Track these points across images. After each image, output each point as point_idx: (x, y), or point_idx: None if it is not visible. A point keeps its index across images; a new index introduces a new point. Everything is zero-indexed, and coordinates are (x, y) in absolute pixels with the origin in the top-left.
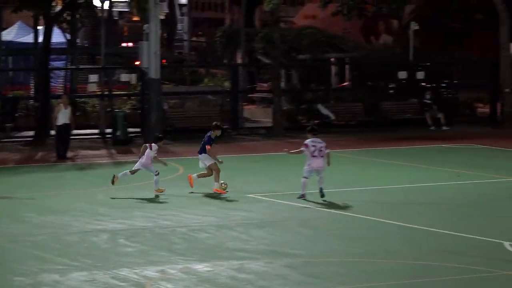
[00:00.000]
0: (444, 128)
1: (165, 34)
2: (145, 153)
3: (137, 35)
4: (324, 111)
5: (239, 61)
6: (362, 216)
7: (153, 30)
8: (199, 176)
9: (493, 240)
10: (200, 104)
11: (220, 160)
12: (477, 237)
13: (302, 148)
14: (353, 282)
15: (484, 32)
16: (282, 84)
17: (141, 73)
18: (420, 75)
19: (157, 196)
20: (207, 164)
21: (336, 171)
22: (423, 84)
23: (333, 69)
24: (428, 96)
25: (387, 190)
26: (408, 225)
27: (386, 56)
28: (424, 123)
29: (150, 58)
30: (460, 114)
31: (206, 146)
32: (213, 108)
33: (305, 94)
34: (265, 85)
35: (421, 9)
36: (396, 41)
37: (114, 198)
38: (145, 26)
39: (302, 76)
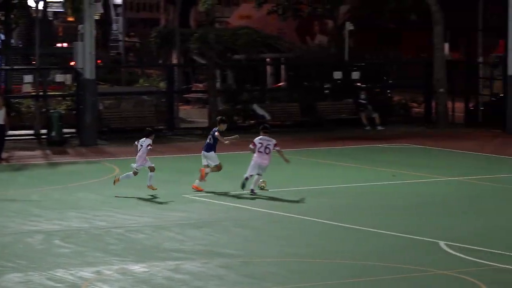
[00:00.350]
0: (379, 128)
1: (100, 35)
2: (140, 151)
3: (72, 36)
4: (260, 111)
5: (174, 61)
6: (298, 216)
7: (88, 30)
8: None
9: (429, 239)
10: (135, 105)
11: (234, 136)
12: (413, 236)
13: (250, 146)
14: (290, 282)
15: (418, 32)
16: (218, 85)
17: (76, 73)
18: (355, 75)
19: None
20: (212, 164)
21: (272, 171)
22: (358, 84)
23: (269, 69)
24: (363, 96)
25: (323, 190)
26: (345, 225)
27: (321, 56)
28: (359, 123)
29: (85, 58)
30: (395, 114)
31: (215, 133)
32: (148, 108)
33: (241, 94)
34: (200, 85)
35: (356, 10)
36: (331, 42)
37: (49, 199)
38: (80, 26)
39: (238, 76)
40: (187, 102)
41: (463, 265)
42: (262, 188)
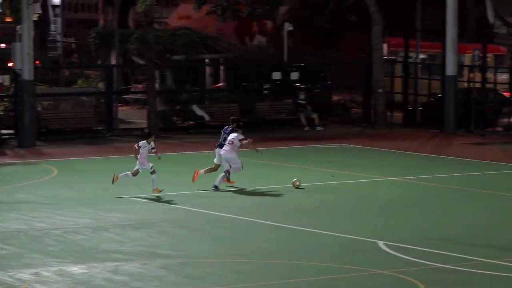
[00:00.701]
0: (318, 128)
1: (38, 35)
2: (140, 152)
3: (10, 36)
4: (199, 112)
5: (113, 62)
6: (237, 217)
7: (26, 31)
8: (206, 171)
9: (368, 239)
10: (74, 106)
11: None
12: (351, 236)
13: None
14: (230, 283)
15: (357, 33)
16: (157, 85)
17: (14, 74)
18: (294, 75)
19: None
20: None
21: (211, 172)
22: (297, 84)
23: (208, 70)
24: (302, 97)
25: (261, 191)
26: (283, 225)
27: (260, 57)
28: (298, 123)
29: (23, 59)
30: (334, 115)
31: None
32: (87, 109)
33: (180, 95)
34: (139, 86)
35: (295, 10)
36: (270, 42)
37: None
38: (18, 27)
39: (177, 77)
40: (126, 102)
41: (402, 265)
42: (298, 187)
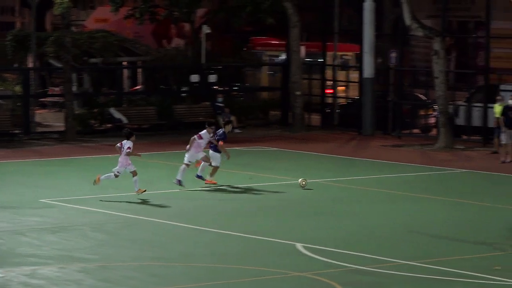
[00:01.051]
0: (237, 131)
1: None
2: (122, 152)
3: None
4: (117, 114)
5: (30, 65)
6: (155, 220)
7: None
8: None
9: (286, 241)
10: None
11: (228, 154)
12: (269, 239)
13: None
14: (147, 286)
15: (275, 35)
16: (74, 88)
17: None
18: (212, 78)
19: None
20: (213, 164)
21: (126, 175)
22: (215, 87)
23: (125, 72)
24: (220, 99)
25: (179, 193)
26: (202, 228)
27: (179, 59)
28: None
29: None
30: (252, 117)
31: (219, 142)
32: (4, 112)
33: (97, 98)
34: (56, 89)
35: (213, 13)
36: (188, 45)
37: None
38: None
39: (94, 80)
40: (43, 106)
41: (319, 267)
42: (303, 186)
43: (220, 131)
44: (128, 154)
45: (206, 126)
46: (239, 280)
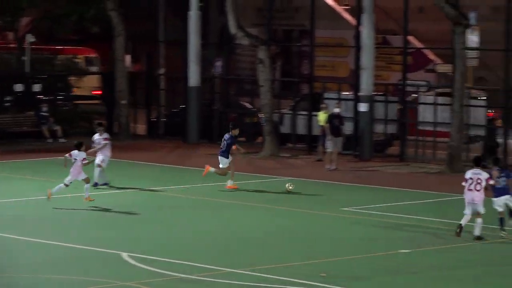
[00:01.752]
0: (61, 140)
1: None
2: (75, 164)
3: None
4: None
5: None
6: None
7: None
8: (216, 172)
9: (111, 251)
10: None
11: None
12: (95, 248)
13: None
14: None
15: (101, 44)
16: None
17: None
18: (36, 87)
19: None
20: (221, 166)
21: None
22: (40, 96)
23: None
24: (44, 109)
25: (4, 204)
26: (24, 238)
27: (2, 68)
28: (41, 135)
29: None
30: (78, 126)
31: (233, 146)
32: None
33: None
34: None
35: (38, 22)
36: (12, 54)
37: None
38: None
39: None
40: None
41: (145, 276)
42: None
43: (227, 136)
44: (85, 164)
45: (95, 128)
46: None
